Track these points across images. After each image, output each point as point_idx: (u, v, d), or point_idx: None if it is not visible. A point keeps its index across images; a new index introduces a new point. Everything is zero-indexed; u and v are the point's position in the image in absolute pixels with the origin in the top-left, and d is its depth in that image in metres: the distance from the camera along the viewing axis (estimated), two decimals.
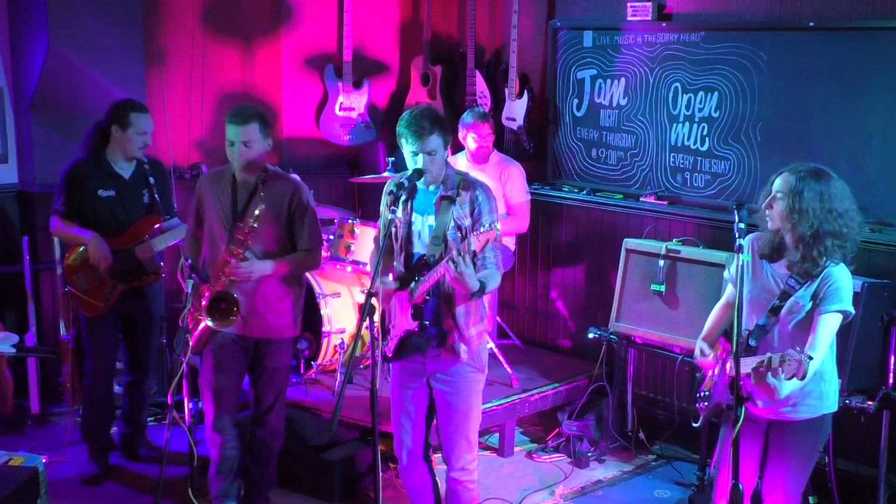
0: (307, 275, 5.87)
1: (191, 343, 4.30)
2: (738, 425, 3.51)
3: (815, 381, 3.66)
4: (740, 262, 3.60)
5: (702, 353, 3.88)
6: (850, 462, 4.92)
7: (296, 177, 4.73)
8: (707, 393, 3.90)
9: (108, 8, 6.04)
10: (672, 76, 5.83)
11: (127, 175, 5.11)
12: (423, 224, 4.03)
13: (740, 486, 3.56)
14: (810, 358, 3.40)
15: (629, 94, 6.08)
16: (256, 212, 4.30)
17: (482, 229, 3.71)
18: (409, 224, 4.04)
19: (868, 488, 4.80)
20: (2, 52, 6.11)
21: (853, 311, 3.66)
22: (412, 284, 3.96)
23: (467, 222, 3.94)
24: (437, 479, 4.32)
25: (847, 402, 4.53)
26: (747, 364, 3.59)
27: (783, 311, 3.69)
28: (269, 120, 4.45)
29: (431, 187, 4.03)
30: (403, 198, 4.02)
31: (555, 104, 6.50)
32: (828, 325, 3.60)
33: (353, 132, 7.01)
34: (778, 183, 3.66)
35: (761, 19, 5.42)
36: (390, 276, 4.07)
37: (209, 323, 4.31)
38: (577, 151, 6.44)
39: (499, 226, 3.74)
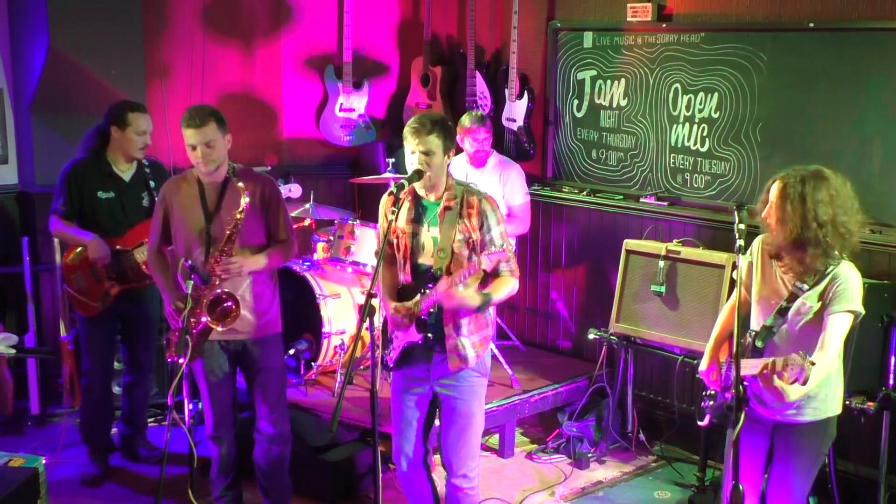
0: (307, 275, 5.90)
1: (191, 344, 4.28)
2: (739, 426, 3.50)
3: (821, 384, 3.65)
4: (741, 263, 3.60)
5: (709, 369, 3.88)
6: (851, 463, 4.92)
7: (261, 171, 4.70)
8: (713, 392, 3.89)
9: (108, 9, 6.05)
10: (672, 77, 5.83)
11: (127, 177, 5.11)
12: (428, 236, 4.02)
13: (740, 487, 3.56)
14: (813, 364, 3.39)
15: (629, 95, 6.08)
16: (242, 203, 4.27)
17: (493, 248, 3.77)
18: (414, 236, 4.03)
19: (868, 489, 4.80)
20: (2, 52, 6.11)
21: (863, 312, 3.64)
22: (416, 297, 3.96)
23: (475, 236, 3.93)
24: (435, 481, 4.32)
25: (847, 402, 4.52)
26: (753, 366, 3.58)
27: (791, 312, 3.68)
28: (223, 116, 4.37)
29: (431, 196, 4.02)
30: (407, 206, 4.02)
31: (555, 105, 6.50)
32: (837, 326, 3.59)
33: (353, 133, 7.02)
34: (775, 191, 3.64)
35: (761, 20, 5.42)
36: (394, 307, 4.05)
37: (218, 327, 4.29)
38: (577, 152, 6.44)
39: (511, 248, 3.77)
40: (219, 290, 4.30)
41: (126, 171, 5.10)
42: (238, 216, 4.28)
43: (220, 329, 4.30)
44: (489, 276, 3.97)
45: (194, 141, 4.27)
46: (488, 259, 3.76)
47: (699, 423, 4.00)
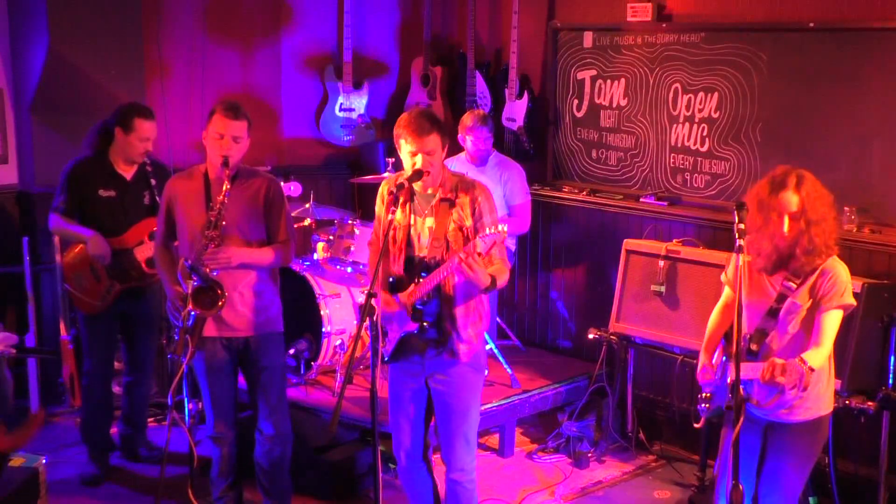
0: (307, 275, 5.90)
1: (190, 344, 4.28)
2: (738, 427, 3.50)
3: (813, 383, 3.64)
4: (740, 263, 3.59)
5: (703, 369, 3.87)
6: (851, 462, 4.92)
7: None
8: (709, 395, 3.89)
9: (108, 9, 6.05)
10: (672, 77, 5.83)
11: (129, 176, 5.11)
12: (423, 226, 4.03)
13: (741, 486, 3.56)
14: (812, 370, 3.40)
15: (629, 95, 6.08)
16: (224, 188, 4.28)
17: (489, 231, 3.72)
18: (409, 227, 4.04)
19: (868, 489, 4.80)
20: (2, 52, 6.11)
21: (854, 303, 3.67)
22: (411, 287, 3.96)
23: (469, 223, 3.93)
24: (436, 479, 4.32)
25: (847, 402, 4.52)
26: (751, 369, 3.58)
27: (782, 312, 3.68)
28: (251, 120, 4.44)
29: (429, 189, 4.02)
30: (402, 200, 4.02)
31: (555, 105, 6.50)
32: (831, 323, 3.60)
33: (353, 133, 7.02)
34: (793, 200, 3.62)
35: (761, 20, 5.42)
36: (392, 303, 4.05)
37: (193, 309, 4.27)
38: (577, 152, 6.44)
39: (504, 226, 3.74)
40: (197, 282, 4.28)
41: (128, 171, 5.11)
42: (220, 198, 4.28)
43: (199, 313, 4.27)
44: (484, 264, 3.94)
45: (225, 131, 4.30)
46: (483, 241, 3.71)
47: (695, 425, 4.01)
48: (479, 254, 3.74)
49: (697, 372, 3.91)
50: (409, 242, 4.03)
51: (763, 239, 3.69)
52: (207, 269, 4.27)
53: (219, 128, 4.32)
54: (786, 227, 3.62)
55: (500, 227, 3.72)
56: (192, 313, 4.27)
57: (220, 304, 4.29)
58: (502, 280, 3.97)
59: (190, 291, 4.27)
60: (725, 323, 3.93)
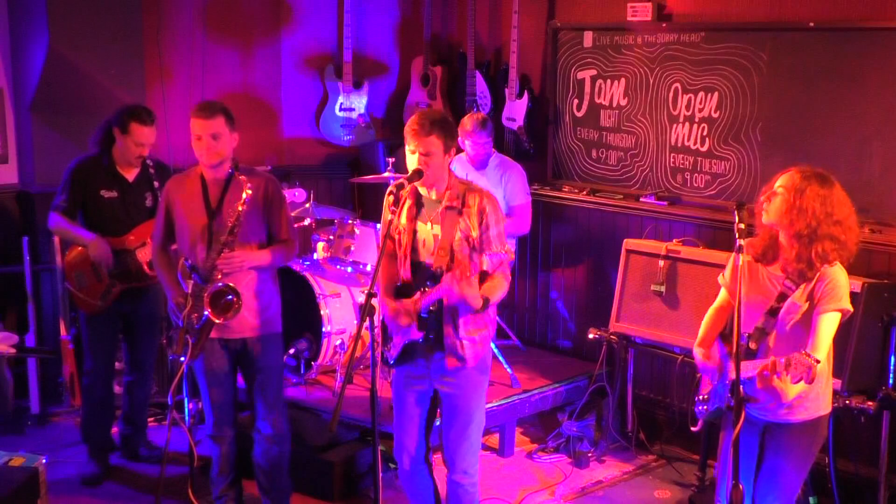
0: (307, 275, 5.90)
1: (190, 344, 4.28)
2: (738, 426, 3.50)
3: (813, 383, 3.65)
4: (740, 263, 3.59)
5: (703, 357, 3.87)
6: (851, 462, 4.92)
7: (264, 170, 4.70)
8: (706, 396, 3.89)
9: (108, 8, 6.05)
10: (672, 76, 5.83)
11: (131, 177, 5.11)
12: (429, 233, 4.02)
13: (741, 486, 3.55)
14: (818, 362, 3.40)
15: (629, 95, 6.08)
16: (244, 195, 4.28)
17: (495, 249, 3.71)
18: (414, 232, 4.04)
19: (868, 489, 4.80)
20: (2, 52, 6.11)
21: (851, 309, 3.66)
22: (416, 295, 3.96)
23: (475, 233, 3.93)
24: (436, 480, 4.32)
25: (847, 402, 4.52)
26: (751, 367, 3.58)
27: (781, 312, 3.68)
28: (232, 114, 4.41)
29: (433, 193, 4.03)
30: (409, 204, 4.02)
31: (555, 104, 6.50)
32: (828, 325, 3.60)
33: (353, 132, 7.02)
34: (782, 178, 3.66)
35: (761, 20, 5.42)
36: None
37: (218, 320, 4.28)
38: (577, 152, 6.44)
39: (511, 249, 3.75)
40: (220, 284, 4.29)
41: (129, 171, 5.11)
42: (240, 208, 4.29)
43: (218, 321, 4.27)
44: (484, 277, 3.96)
45: (201, 131, 4.31)
46: (490, 260, 3.74)
47: (692, 428, 4.00)
48: (485, 271, 3.75)
49: (698, 362, 3.90)
50: (414, 248, 4.03)
51: (757, 218, 3.73)
52: (219, 275, 4.28)
53: (195, 129, 4.33)
54: (772, 201, 3.64)
55: (507, 248, 3.77)
56: (205, 315, 4.27)
57: (235, 308, 4.30)
58: (497, 296, 3.97)
59: (207, 295, 4.27)
60: (719, 324, 3.93)
